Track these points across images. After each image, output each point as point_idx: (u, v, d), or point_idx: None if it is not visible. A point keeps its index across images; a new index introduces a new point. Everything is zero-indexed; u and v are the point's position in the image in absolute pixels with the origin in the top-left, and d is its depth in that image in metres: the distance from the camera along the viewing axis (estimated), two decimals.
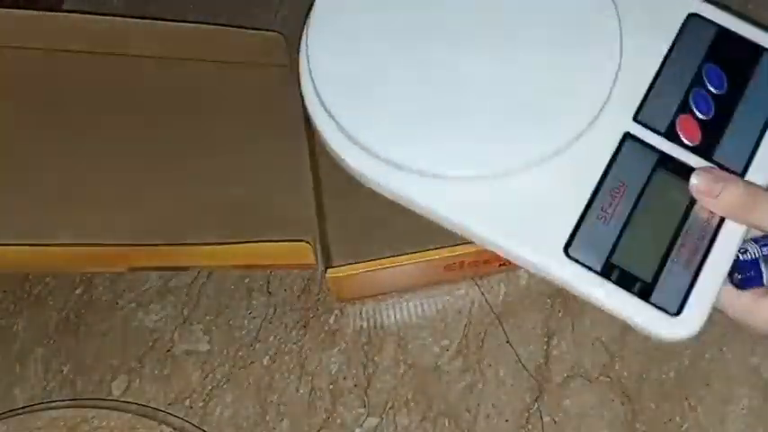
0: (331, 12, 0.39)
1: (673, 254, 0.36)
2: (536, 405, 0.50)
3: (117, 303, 0.57)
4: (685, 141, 0.38)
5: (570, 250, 0.36)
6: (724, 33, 0.39)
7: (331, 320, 0.55)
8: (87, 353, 0.56)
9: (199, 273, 0.58)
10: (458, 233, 0.37)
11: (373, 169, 0.37)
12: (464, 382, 0.51)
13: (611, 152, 0.37)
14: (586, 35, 0.38)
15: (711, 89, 0.39)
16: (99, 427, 0.50)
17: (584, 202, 0.36)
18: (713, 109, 0.38)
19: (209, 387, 0.53)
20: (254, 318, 0.55)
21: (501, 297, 0.54)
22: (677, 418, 0.48)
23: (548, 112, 0.37)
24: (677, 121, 0.38)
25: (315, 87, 0.38)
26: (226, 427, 0.52)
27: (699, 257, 0.36)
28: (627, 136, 0.38)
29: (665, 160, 0.37)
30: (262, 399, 0.52)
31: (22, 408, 0.53)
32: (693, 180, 0.36)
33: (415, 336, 0.53)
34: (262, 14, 0.71)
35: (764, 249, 0.36)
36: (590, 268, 0.35)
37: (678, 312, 0.35)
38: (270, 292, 0.56)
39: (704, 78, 0.39)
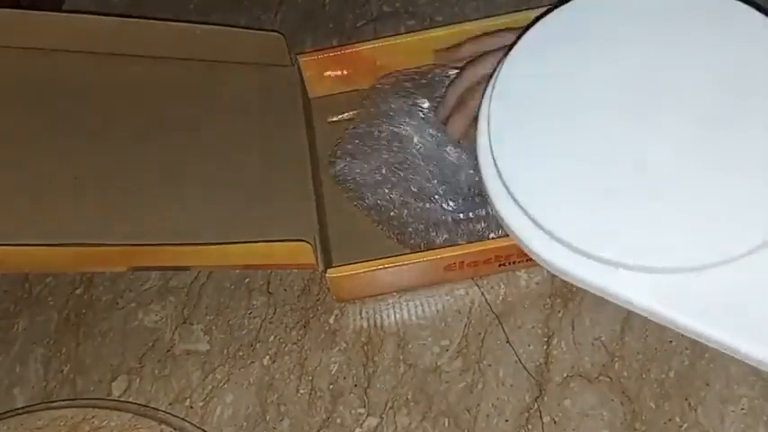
0: (513, 113, 0.37)
1: None
2: (536, 405, 0.50)
3: (117, 303, 0.57)
4: None
5: None
6: None
7: (331, 320, 0.55)
8: (87, 353, 0.56)
9: (199, 273, 0.58)
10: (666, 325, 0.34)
11: (583, 269, 0.34)
12: (464, 382, 0.51)
13: None
14: None
15: None
16: (99, 427, 0.50)
17: None
18: None
19: (210, 387, 0.53)
20: (254, 318, 0.55)
21: (501, 297, 0.54)
22: (677, 418, 0.48)
23: (750, 206, 0.33)
24: None
25: (511, 194, 0.35)
26: (226, 427, 0.52)
27: None
28: None
29: None
30: (262, 399, 0.52)
31: (23, 408, 0.53)
32: None
33: (415, 336, 0.53)
34: (262, 14, 0.71)
35: None
36: None
37: None
38: (270, 292, 0.56)
39: None
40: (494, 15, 0.60)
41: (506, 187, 0.35)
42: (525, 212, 0.35)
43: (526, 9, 0.59)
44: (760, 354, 0.32)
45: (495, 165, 0.36)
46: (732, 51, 0.36)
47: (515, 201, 0.35)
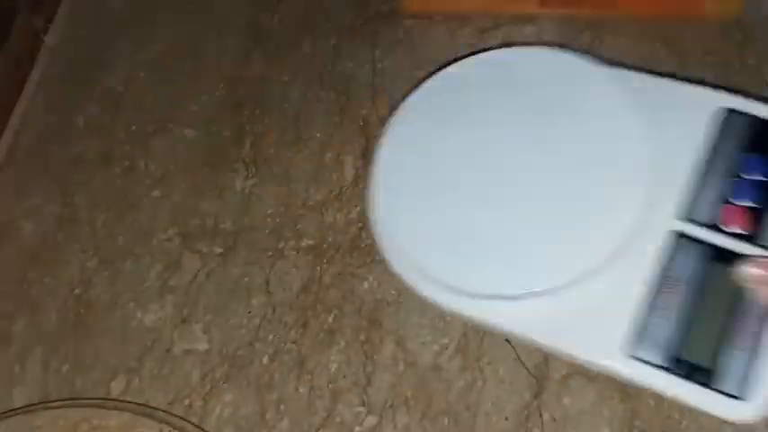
0: (393, 187, 0.43)
1: (732, 341, 0.37)
2: (535, 403, 0.50)
3: (116, 303, 0.57)
4: (732, 231, 0.38)
5: (634, 350, 0.37)
6: (756, 121, 0.40)
7: (330, 319, 0.55)
8: (86, 352, 0.56)
9: (198, 272, 0.58)
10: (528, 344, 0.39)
11: (449, 301, 0.40)
12: (463, 381, 0.51)
13: (664, 252, 0.38)
14: (619, 153, 0.40)
15: (753, 176, 0.39)
16: (98, 427, 0.50)
17: (643, 303, 0.37)
18: (758, 196, 0.39)
19: (209, 386, 0.53)
20: (254, 317, 0.55)
21: None
22: (676, 415, 0.48)
23: (590, 227, 0.38)
24: (723, 213, 0.39)
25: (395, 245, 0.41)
26: (225, 426, 0.52)
27: (758, 341, 0.36)
28: (675, 234, 0.39)
29: (715, 251, 0.38)
30: (261, 398, 0.52)
31: (22, 407, 0.53)
32: (740, 269, 0.37)
33: (414, 334, 0.53)
34: (261, 14, 0.71)
35: None
36: (654, 364, 0.37)
37: (743, 396, 0.36)
38: (269, 292, 0.56)
39: (743, 167, 0.39)
40: None
41: (385, 238, 0.41)
42: (404, 260, 0.41)
43: None
44: (600, 362, 0.37)
45: (378, 223, 0.42)
46: (566, 107, 0.42)
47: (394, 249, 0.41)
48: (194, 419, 0.52)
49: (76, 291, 0.58)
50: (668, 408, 0.49)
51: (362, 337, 0.53)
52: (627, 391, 0.49)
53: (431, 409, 0.50)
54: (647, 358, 0.37)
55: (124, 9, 0.73)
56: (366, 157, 0.60)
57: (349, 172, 0.60)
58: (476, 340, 0.52)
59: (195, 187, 0.62)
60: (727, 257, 0.38)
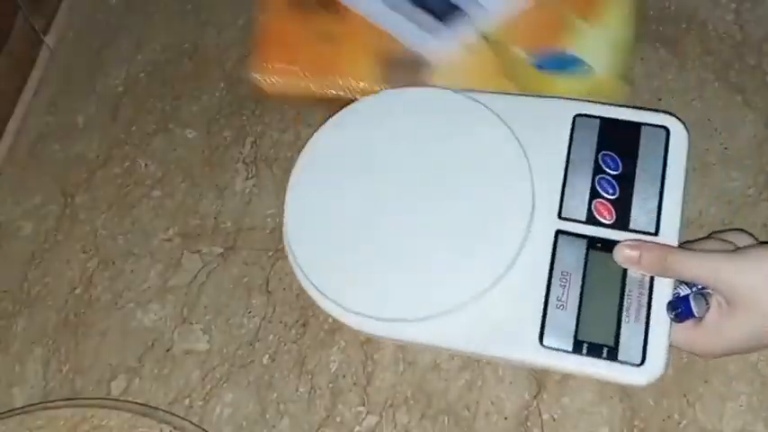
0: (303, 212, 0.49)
1: (624, 316, 0.43)
2: (535, 403, 0.50)
3: (116, 303, 0.57)
4: (603, 221, 0.45)
5: (544, 341, 0.43)
6: (606, 121, 0.48)
7: (330, 319, 0.55)
8: (86, 352, 0.56)
9: (198, 272, 0.58)
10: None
11: (364, 325, 0.46)
12: (463, 380, 0.51)
13: (551, 250, 0.45)
14: (502, 169, 0.46)
15: (611, 172, 0.46)
16: (99, 427, 0.50)
17: (542, 298, 0.44)
18: (617, 188, 0.46)
19: (209, 386, 0.53)
20: (254, 317, 0.55)
21: None
22: (676, 415, 0.48)
23: (485, 242, 0.44)
24: (593, 207, 0.45)
25: (303, 272, 0.47)
26: (225, 426, 0.52)
27: (645, 312, 0.43)
28: (558, 233, 0.45)
29: (593, 242, 0.45)
30: (261, 397, 0.52)
31: (22, 407, 0.53)
32: (615, 255, 0.43)
33: None
34: (260, 14, 0.71)
35: (693, 288, 0.43)
36: (564, 350, 0.43)
37: (642, 362, 0.42)
38: (269, 291, 0.56)
39: (602, 165, 0.46)
40: None
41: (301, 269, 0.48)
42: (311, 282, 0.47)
43: None
44: (517, 356, 0.44)
45: (294, 255, 0.48)
46: (459, 143, 0.48)
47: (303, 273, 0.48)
48: (194, 419, 0.52)
49: (76, 291, 0.58)
50: (668, 407, 0.49)
51: (362, 337, 0.54)
52: (626, 391, 0.49)
53: (431, 408, 0.51)
54: (555, 346, 0.43)
55: (124, 9, 0.73)
56: None
57: None
58: None
59: (195, 187, 0.62)
60: (606, 245, 0.44)
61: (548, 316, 0.43)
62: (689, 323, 0.42)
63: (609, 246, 0.44)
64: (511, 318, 0.43)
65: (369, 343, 0.53)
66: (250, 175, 0.62)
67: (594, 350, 0.42)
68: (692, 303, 0.41)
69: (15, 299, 0.59)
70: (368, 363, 0.53)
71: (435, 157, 0.47)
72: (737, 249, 0.43)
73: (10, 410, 0.52)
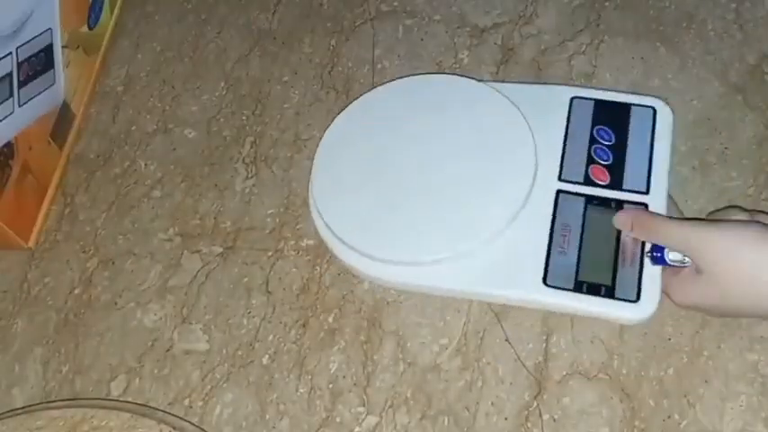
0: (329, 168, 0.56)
1: (619, 260, 0.48)
2: (535, 403, 0.50)
3: (116, 303, 0.57)
4: (599, 183, 0.52)
5: (548, 281, 0.48)
6: (599, 102, 0.55)
7: (330, 319, 0.55)
8: (86, 353, 0.56)
9: (198, 272, 0.58)
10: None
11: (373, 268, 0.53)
12: (463, 381, 0.51)
13: (552, 206, 0.51)
14: (509, 139, 0.53)
15: (605, 142, 0.53)
16: (98, 427, 0.50)
17: (546, 246, 0.50)
18: (611, 155, 0.52)
19: (209, 386, 0.53)
20: (254, 317, 0.55)
21: None
22: (676, 416, 0.48)
23: (496, 196, 0.51)
24: (589, 171, 0.52)
25: (324, 221, 0.53)
26: (225, 427, 0.52)
27: (639, 257, 0.48)
28: (558, 192, 0.52)
29: (591, 199, 0.51)
30: (261, 398, 0.52)
31: (22, 408, 0.53)
32: (614, 222, 0.49)
33: (414, 334, 0.53)
34: (260, 14, 0.71)
35: None
36: (566, 288, 0.48)
37: (638, 299, 0.47)
38: (269, 292, 0.56)
39: (597, 137, 0.53)
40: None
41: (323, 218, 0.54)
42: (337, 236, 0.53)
43: None
44: (524, 296, 0.50)
45: (317, 207, 0.54)
46: (473, 119, 0.55)
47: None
48: (195, 419, 0.52)
49: (77, 290, 0.58)
50: (668, 408, 0.49)
51: (362, 337, 0.54)
52: (627, 392, 0.49)
53: (431, 409, 0.50)
54: (558, 285, 0.48)
55: (124, 9, 0.73)
56: None
57: None
58: (476, 340, 0.52)
59: (195, 187, 0.62)
60: (602, 202, 0.51)
61: (551, 260, 0.49)
62: (673, 270, 0.47)
63: (605, 203, 0.50)
64: (518, 262, 0.49)
65: (369, 343, 0.53)
66: (250, 175, 0.62)
67: (593, 289, 0.47)
68: (667, 252, 0.46)
69: (15, 299, 0.59)
70: (368, 363, 0.53)
71: (451, 130, 0.54)
72: (716, 222, 0.46)
73: (10, 411, 0.52)
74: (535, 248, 0.49)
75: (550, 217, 0.50)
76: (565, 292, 0.48)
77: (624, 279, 0.48)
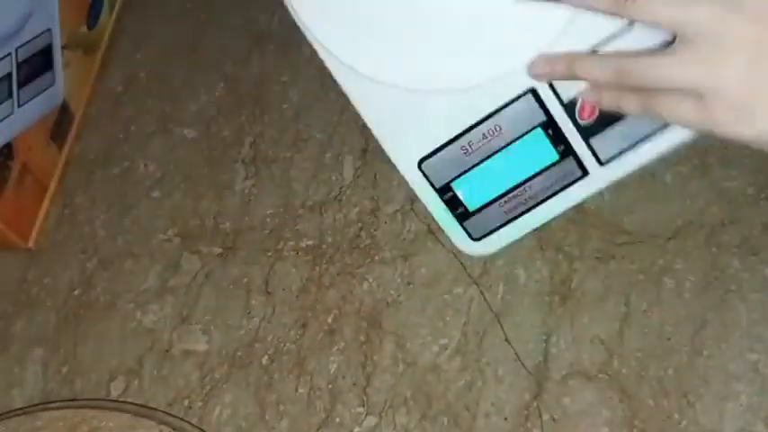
0: None
1: (502, 201, 0.41)
2: (535, 403, 0.50)
3: (115, 304, 0.57)
4: (580, 121, 0.40)
5: (423, 165, 0.41)
6: None
7: (329, 320, 0.55)
8: (86, 354, 0.56)
9: (198, 273, 0.58)
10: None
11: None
12: (463, 381, 0.51)
13: (508, 100, 0.40)
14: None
15: None
16: (98, 428, 0.50)
17: (458, 132, 0.40)
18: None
19: (208, 387, 0.53)
20: (253, 318, 0.55)
21: (499, 296, 0.54)
22: (676, 415, 0.48)
23: (486, 42, 0.39)
24: (580, 104, 0.40)
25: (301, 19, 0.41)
26: (225, 427, 0.52)
27: (519, 211, 0.41)
28: (531, 92, 0.40)
29: (548, 123, 0.40)
30: (261, 398, 0.52)
31: (22, 408, 0.53)
32: (530, 67, 0.37)
33: (413, 335, 0.53)
34: (260, 15, 0.71)
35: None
36: (431, 184, 0.41)
37: (479, 239, 0.42)
38: (268, 292, 0.56)
39: None
40: None
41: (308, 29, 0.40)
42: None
43: None
44: (397, 162, 0.40)
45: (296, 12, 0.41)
46: None
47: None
48: (194, 420, 0.52)
49: (76, 291, 0.58)
50: (668, 408, 0.49)
51: (362, 338, 0.53)
52: (626, 392, 0.49)
53: (430, 409, 0.50)
54: (429, 174, 0.41)
55: (124, 9, 0.73)
56: (366, 157, 0.60)
57: (348, 172, 0.60)
58: (475, 340, 0.52)
59: (195, 187, 0.62)
60: (556, 134, 0.40)
61: (446, 149, 0.41)
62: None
63: (558, 137, 0.40)
64: (422, 126, 0.41)
65: (368, 344, 0.53)
66: (249, 175, 0.62)
67: (453, 203, 0.41)
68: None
69: (15, 300, 0.59)
70: (367, 364, 0.53)
71: None
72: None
73: (10, 411, 0.52)
74: (449, 126, 0.41)
75: (493, 108, 0.40)
76: (427, 186, 0.41)
77: (486, 217, 0.42)
